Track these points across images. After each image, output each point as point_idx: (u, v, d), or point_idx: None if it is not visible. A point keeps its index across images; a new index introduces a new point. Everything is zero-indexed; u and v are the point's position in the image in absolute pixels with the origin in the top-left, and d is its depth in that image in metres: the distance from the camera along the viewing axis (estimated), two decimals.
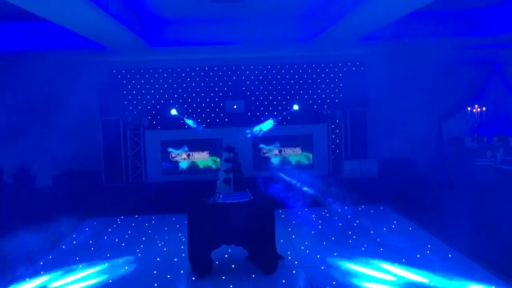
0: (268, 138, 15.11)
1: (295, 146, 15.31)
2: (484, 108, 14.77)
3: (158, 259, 8.59)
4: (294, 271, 7.75)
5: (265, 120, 15.13)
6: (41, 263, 8.53)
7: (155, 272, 7.90)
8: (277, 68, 15.78)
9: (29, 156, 13.56)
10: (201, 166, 14.98)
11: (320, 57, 15.49)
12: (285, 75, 15.80)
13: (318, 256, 8.42)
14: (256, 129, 14.88)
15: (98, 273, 7.96)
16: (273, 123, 15.01)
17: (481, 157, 13.50)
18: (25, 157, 13.56)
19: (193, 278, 7.53)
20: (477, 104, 14.88)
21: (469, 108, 14.90)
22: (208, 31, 12.67)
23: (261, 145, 15.14)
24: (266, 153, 15.19)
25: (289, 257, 8.32)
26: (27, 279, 7.70)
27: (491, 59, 15.95)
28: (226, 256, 8.43)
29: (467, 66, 16.14)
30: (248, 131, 14.88)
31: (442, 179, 12.27)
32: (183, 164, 14.99)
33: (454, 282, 6.98)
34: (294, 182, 13.57)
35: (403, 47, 13.86)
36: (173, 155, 14.95)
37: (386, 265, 7.83)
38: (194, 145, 15.02)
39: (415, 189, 11.96)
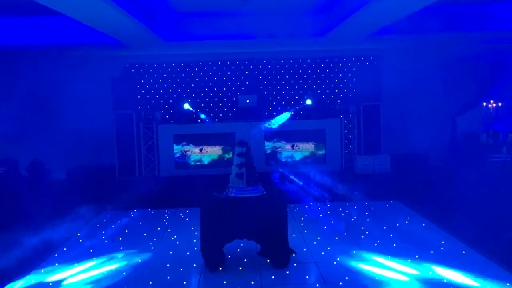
0: (281, 132, 15.07)
1: (307, 141, 15.22)
2: (499, 104, 14.61)
3: (171, 252, 8.65)
4: (306, 266, 7.76)
5: (279, 113, 15.09)
6: (56, 255, 8.64)
7: (168, 265, 7.96)
8: (290, 63, 15.70)
9: (44, 149, 13.67)
10: (213, 161, 15.00)
11: (334, 51, 15.34)
12: (298, 69, 15.72)
13: (330, 251, 8.42)
14: (273, 121, 14.86)
15: (112, 266, 8.04)
16: (289, 116, 14.97)
17: (497, 153, 13.38)
18: (39, 150, 13.68)
19: (206, 272, 7.57)
20: (492, 100, 14.72)
21: (484, 104, 14.75)
22: (221, 25, 12.64)
23: (274, 140, 15.11)
24: (278, 147, 15.16)
25: (301, 252, 8.33)
26: (42, 271, 7.81)
27: (506, 53, 15.74)
28: (238, 250, 8.46)
29: (482, 61, 15.93)
30: (266, 124, 14.87)
31: (456, 175, 12.16)
32: (196, 158, 15.02)
33: (468, 279, 6.94)
34: (306, 177, 13.57)
35: (417, 42, 13.71)
36: (185, 149, 14.99)
37: (399, 261, 7.81)
38: (207, 139, 15.03)
39: (429, 185, 11.87)
